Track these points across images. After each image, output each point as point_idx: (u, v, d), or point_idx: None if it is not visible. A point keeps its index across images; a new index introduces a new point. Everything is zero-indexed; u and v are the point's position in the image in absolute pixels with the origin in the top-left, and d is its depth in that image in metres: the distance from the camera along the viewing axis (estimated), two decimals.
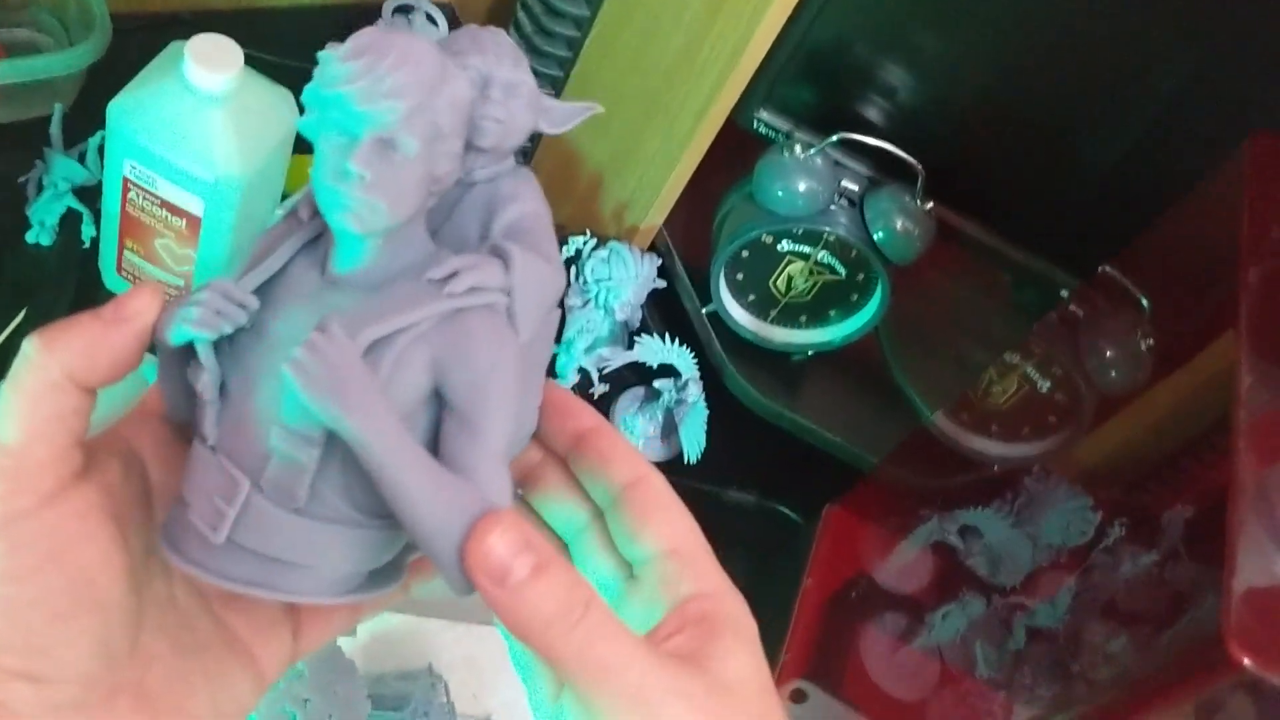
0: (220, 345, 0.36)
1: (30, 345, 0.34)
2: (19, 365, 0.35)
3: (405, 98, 0.33)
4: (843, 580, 0.89)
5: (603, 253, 0.93)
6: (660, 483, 0.40)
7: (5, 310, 0.80)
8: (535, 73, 0.40)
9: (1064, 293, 0.90)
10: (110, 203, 0.77)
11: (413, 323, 0.34)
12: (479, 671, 0.83)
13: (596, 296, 0.92)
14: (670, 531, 0.39)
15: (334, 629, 0.42)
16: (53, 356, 0.34)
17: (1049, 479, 1.02)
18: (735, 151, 0.91)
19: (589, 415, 0.42)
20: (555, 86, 1.02)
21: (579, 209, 1.00)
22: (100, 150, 0.85)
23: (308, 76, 0.34)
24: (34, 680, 0.33)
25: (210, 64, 0.69)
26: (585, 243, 0.94)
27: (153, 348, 0.37)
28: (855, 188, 0.88)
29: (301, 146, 0.79)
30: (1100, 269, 0.79)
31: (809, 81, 0.90)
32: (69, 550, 0.34)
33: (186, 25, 0.99)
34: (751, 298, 0.92)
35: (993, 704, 0.96)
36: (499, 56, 0.37)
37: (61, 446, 0.34)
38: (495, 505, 0.34)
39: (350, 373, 0.32)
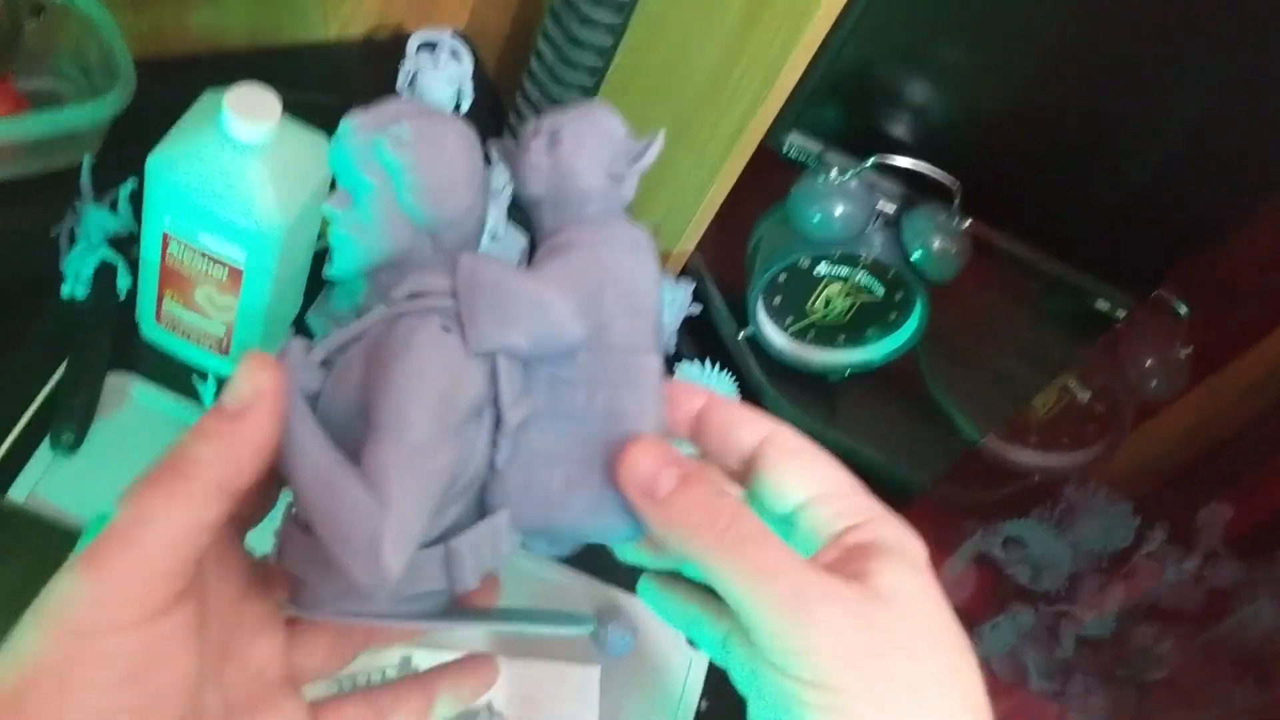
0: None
1: (175, 457, 0.34)
2: (161, 474, 0.34)
3: (358, 136, 0.38)
4: None
5: None
6: (789, 433, 0.39)
7: (44, 366, 0.79)
8: (556, 101, 0.42)
9: (1102, 304, 0.90)
10: (149, 254, 0.76)
11: (359, 333, 0.37)
12: (537, 708, 0.82)
13: None
14: (810, 477, 0.38)
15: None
16: (196, 466, 0.34)
17: (1088, 486, 1.02)
18: (766, 174, 0.90)
19: (698, 395, 0.41)
20: None
21: None
22: (131, 198, 0.85)
23: (332, 112, 0.39)
24: None
25: (249, 115, 0.69)
26: None
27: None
28: (891, 208, 0.87)
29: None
30: (1153, 293, 0.79)
31: (840, 103, 0.89)
32: (154, 670, 0.33)
33: (207, 67, 0.98)
34: (789, 320, 0.91)
35: (1046, 714, 0.96)
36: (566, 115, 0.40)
37: (186, 561, 0.34)
38: (385, 501, 0.34)
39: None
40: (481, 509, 0.39)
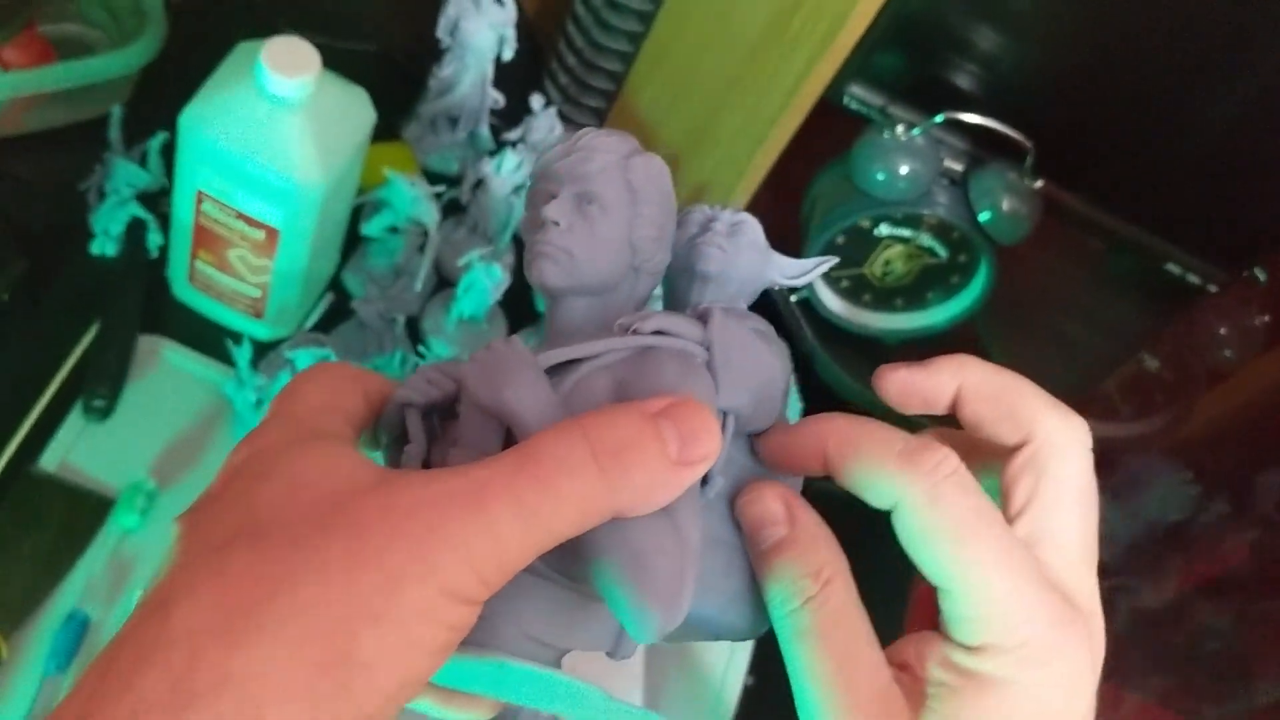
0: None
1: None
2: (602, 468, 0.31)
3: (598, 156, 0.36)
4: None
5: None
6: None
7: (74, 328, 0.76)
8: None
9: (1190, 276, 0.85)
10: (181, 213, 0.73)
11: (598, 353, 0.34)
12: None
13: None
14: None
15: None
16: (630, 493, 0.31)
17: (1148, 455, 0.98)
18: (822, 127, 0.86)
19: (823, 431, 0.36)
20: (624, 63, 0.97)
21: None
22: (163, 151, 0.81)
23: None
24: None
25: (287, 69, 0.65)
26: None
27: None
28: (958, 166, 0.83)
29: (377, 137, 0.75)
30: (1248, 270, 0.74)
31: (904, 52, 0.84)
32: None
33: (240, 10, 0.94)
34: (845, 283, 0.87)
35: (1101, 691, 0.93)
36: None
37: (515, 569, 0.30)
38: (686, 538, 0.32)
39: (515, 359, 0.33)
40: None
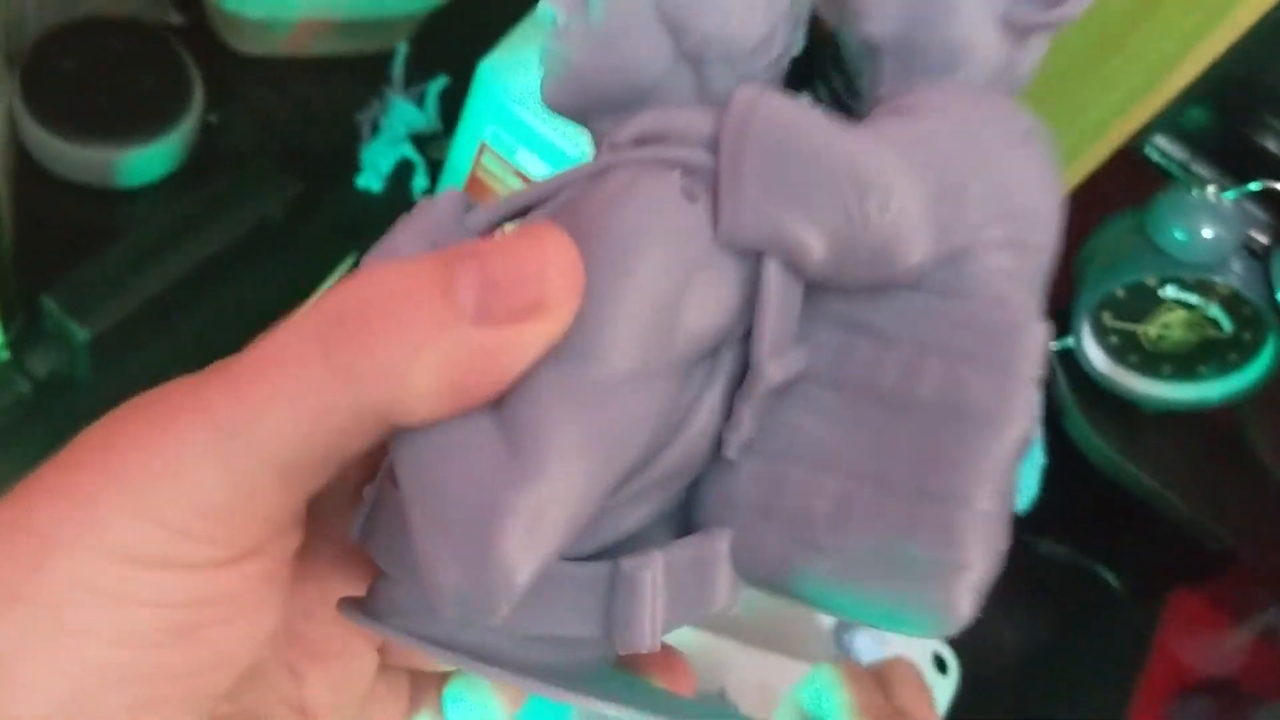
0: None
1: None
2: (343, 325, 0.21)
3: None
4: (1187, 681, 0.80)
5: None
6: None
7: (330, 253, 0.76)
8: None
9: None
10: (459, 161, 0.72)
11: (545, 194, 0.24)
12: (770, 701, 0.77)
13: None
14: None
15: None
16: (403, 344, 0.21)
17: None
18: (1108, 172, 0.81)
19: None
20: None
21: None
22: (441, 96, 0.80)
23: None
24: None
25: None
26: None
27: None
28: (1263, 239, 0.77)
29: None
30: None
31: (1217, 108, 0.79)
32: (219, 626, 0.23)
33: None
34: (1114, 340, 0.82)
35: None
36: None
37: (311, 480, 0.22)
38: (526, 456, 0.21)
39: (423, 216, 0.25)
40: (686, 520, 0.25)
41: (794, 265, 0.23)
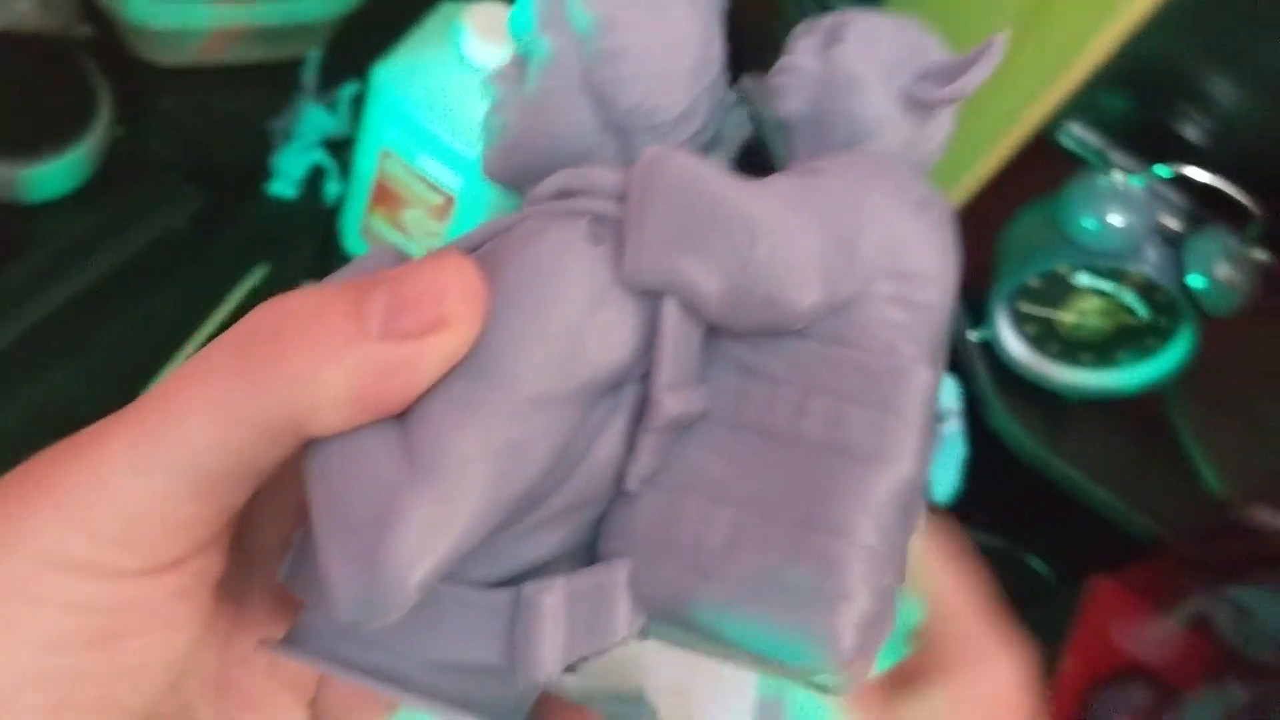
0: None
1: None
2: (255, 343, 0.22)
3: None
4: (1109, 666, 0.80)
5: None
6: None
7: (241, 262, 0.75)
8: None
9: None
10: (363, 167, 0.72)
11: (472, 244, 0.25)
12: (691, 703, 0.77)
13: None
14: None
15: None
16: (312, 357, 0.22)
17: None
18: (1024, 162, 0.81)
19: None
20: None
21: None
22: (353, 102, 0.80)
23: None
24: None
25: (491, 35, 0.63)
26: None
27: None
28: (1174, 225, 0.77)
29: None
30: None
31: (1130, 94, 0.79)
32: (137, 635, 0.24)
33: None
34: (1031, 330, 0.82)
35: None
36: None
37: (232, 491, 0.23)
38: (422, 465, 0.22)
39: (366, 261, 0.27)
40: (590, 552, 0.26)
41: (692, 306, 0.24)
